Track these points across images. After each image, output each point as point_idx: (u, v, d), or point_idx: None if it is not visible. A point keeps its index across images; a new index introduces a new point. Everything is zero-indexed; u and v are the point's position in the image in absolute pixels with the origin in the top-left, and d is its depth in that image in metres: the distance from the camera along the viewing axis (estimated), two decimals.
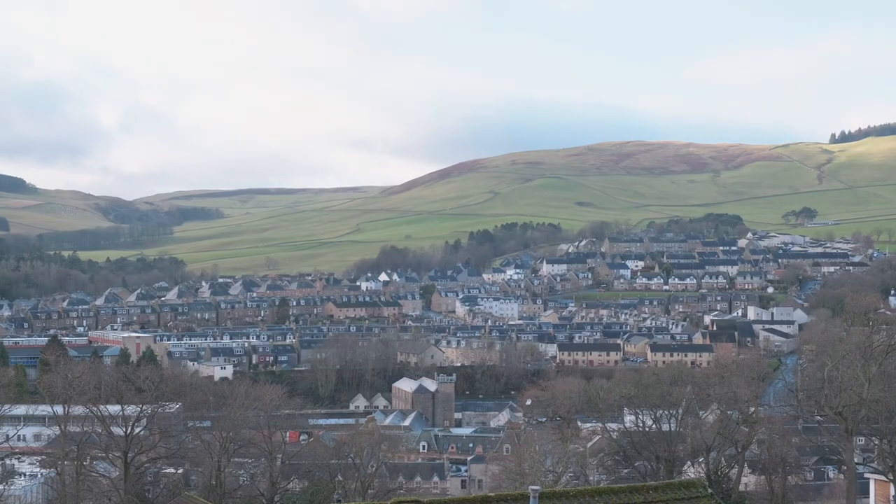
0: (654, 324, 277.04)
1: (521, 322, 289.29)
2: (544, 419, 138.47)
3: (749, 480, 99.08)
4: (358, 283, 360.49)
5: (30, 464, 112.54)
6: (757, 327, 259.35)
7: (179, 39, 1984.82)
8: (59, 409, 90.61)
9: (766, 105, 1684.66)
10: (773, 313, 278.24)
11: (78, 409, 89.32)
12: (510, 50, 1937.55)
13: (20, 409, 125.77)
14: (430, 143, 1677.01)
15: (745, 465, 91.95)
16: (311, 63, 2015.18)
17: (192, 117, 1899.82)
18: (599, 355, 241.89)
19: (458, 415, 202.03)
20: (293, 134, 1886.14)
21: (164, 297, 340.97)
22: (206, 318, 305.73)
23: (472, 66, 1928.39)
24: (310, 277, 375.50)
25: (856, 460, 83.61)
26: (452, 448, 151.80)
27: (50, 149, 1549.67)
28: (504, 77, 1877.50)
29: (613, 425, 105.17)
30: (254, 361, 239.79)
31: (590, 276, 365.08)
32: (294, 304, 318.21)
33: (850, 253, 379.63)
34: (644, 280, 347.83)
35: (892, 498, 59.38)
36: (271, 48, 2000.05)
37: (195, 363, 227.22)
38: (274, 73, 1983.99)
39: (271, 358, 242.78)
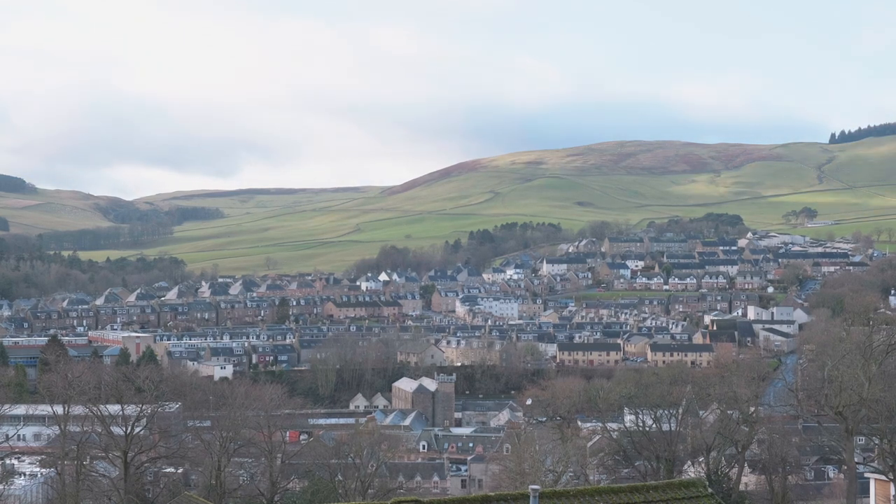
0: (654, 324, 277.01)
1: (521, 322, 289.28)
2: (544, 419, 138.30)
3: (749, 480, 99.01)
4: (358, 283, 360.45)
5: (30, 463, 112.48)
6: (757, 327, 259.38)
7: None
8: (58, 409, 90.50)
9: (766, 104, 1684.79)
10: (773, 313, 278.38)
11: (78, 409, 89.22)
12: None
13: (20, 409, 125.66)
14: (428, 142, 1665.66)
15: (746, 465, 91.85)
16: (302, 52, 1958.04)
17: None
18: (599, 355, 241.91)
19: (458, 414, 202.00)
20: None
21: (164, 296, 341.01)
22: (206, 317, 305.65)
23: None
24: (310, 277, 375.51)
25: (856, 460, 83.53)
26: (452, 448, 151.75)
27: None
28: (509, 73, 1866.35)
29: (613, 425, 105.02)
30: (254, 361, 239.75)
31: (590, 275, 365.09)
32: (294, 303, 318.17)
33: (850, 253, 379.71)
34: (644, 280, 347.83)
35: (892, 497, 59.35)
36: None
37: (195, 363, 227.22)
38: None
39: (271, 358, 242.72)
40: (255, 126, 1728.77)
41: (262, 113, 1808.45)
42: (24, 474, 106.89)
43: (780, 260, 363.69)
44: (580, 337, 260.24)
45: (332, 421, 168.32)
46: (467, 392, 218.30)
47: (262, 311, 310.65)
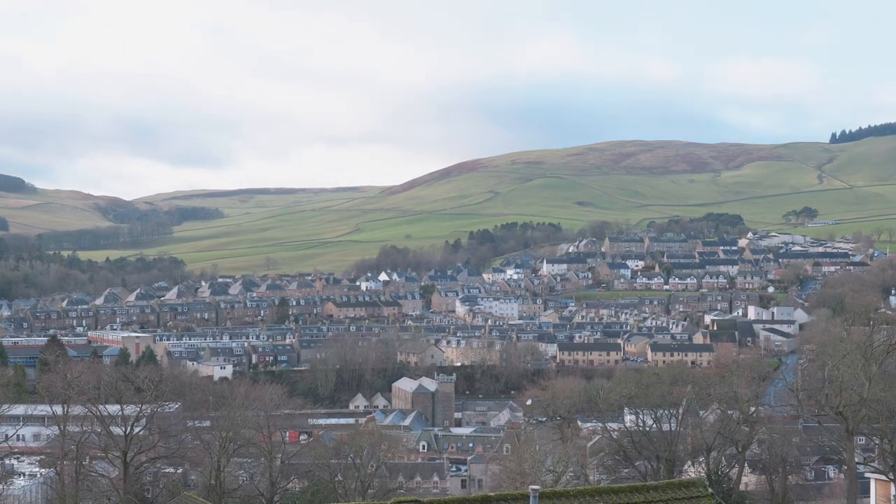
0: (654, 324, 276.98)
1: (521, 322, 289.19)
2: (544, 419, 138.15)
3: (749, 480, 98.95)
4: (358, 283, 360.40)
5: (29, 464, 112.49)
6: (757, 327, 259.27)
7: None
8: (58, 409, 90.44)
9: (766, 104, 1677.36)
10: (773, 313, 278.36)
11: (77, 409, 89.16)
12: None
13: (19, 409, 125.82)
14: (428, 141, 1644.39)
15: (746, 465, 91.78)
16: (295, 48, 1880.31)
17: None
18: (599, 355, 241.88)
19: (458, 414, 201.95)
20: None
21: (163, 297, 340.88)
22: (206, 318, 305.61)
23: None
24: (310, 277, 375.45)
25: (856, 460, 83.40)
26: (452, 448, 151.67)
27: None
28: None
29: (613, 425, 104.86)
30: (253, 361, 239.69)
31: (590, 275, 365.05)
32: (294, 303, 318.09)
33: (850, 253, 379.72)
34: (644, 280, 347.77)
35: (892, 498, 59.22)
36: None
37: (195, 363, 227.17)
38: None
39: (271, 358, 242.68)
40: (229, 101, 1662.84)
41: (227, 83, 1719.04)
42: (24, 474, 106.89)
43: (780, 260, 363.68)
44: (580, 337, 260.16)
45: (332, 421, 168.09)
46: (467, 392, 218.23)
47: (262, 311, 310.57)
